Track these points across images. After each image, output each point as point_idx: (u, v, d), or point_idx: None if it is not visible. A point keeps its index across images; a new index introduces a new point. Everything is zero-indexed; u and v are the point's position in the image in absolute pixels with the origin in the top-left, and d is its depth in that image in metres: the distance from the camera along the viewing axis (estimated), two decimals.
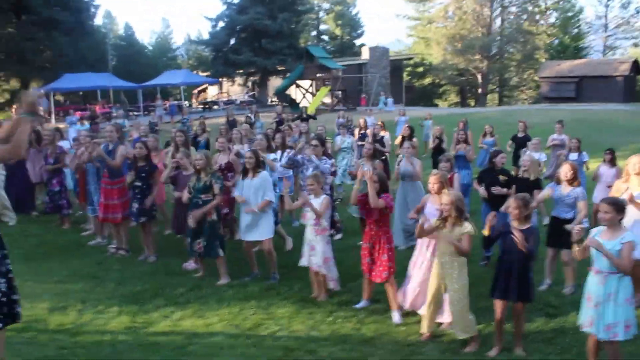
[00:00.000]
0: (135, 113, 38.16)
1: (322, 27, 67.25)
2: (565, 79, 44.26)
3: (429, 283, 6.11)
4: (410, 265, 6.64)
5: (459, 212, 5.65)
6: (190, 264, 8.38)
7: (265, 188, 7.56)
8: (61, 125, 24.60)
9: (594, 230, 5.08)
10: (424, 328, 6.06)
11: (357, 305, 6.84)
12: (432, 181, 6.55)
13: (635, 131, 24.80)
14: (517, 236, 5.37)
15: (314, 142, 8.81)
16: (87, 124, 21.09)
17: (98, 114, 26.51)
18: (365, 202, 6.48)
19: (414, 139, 13.03)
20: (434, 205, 6.48)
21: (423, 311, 6.22)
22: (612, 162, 10.23)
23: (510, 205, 5.60)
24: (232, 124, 16.69)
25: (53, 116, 34.50)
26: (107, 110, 32.16)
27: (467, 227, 5.64)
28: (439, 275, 5.84)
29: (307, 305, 6.90)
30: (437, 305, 5.93)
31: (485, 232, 5.63)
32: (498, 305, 5.68)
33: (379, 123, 15.41)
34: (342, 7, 64.86)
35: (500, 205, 8.15)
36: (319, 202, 6.96)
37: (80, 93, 42.06)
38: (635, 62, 44.60)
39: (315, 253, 6.98)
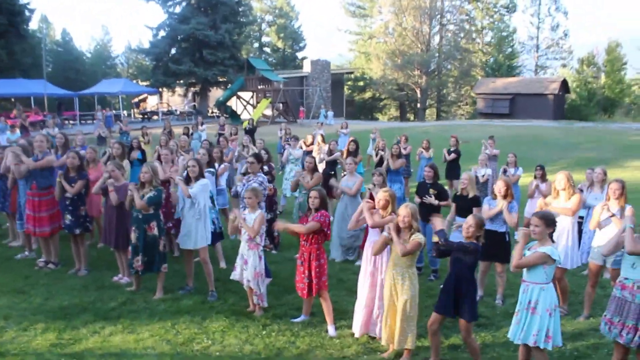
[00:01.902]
0: (72, 122, 37.03)
1: (265, 39, 67.38)
2: (499, 95, 45.89)
3: (382, 296, 6.15)
4: (359, 284, 6.63)
5: (415, 223, 5.76)
6: (123, 278, 8.16)
7: (197, 191, 7.46)
8: None
9: (529, 245, 5.28)
10: (384, 340, 6.04)
11: (295, 320, 6.81)
12: (380, 197, 6.49)
13: (565, 147, 25.90)
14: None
15: (250, 159, 8.74)
16: (17, 132, 20.25)
17: (27, 121, 25.55)
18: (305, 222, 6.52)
19: (359, 156, 13.20)
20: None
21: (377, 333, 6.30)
22: (543, 177, 10.65)
23: (469, 222, 5.66)
24: (169, 135, 16.44)
25: None
26: (40, 118, 31.03)
27: (418, 235, 5.75)
28: (391, 286, 5.89)
29: (241, 319, 6.83)
30: (393, 316, 5.90)
31: (434, 238, 5.75)
32: (433, 316, 5.77)
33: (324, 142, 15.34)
34: (285, 20, 65.18)
35: (427, 219, 8.36)
36: (253, 217, 6.92)
37: (12, 99, 40.45)
38: (564, 81, 46.75)
39: (247, 267, 6.93)
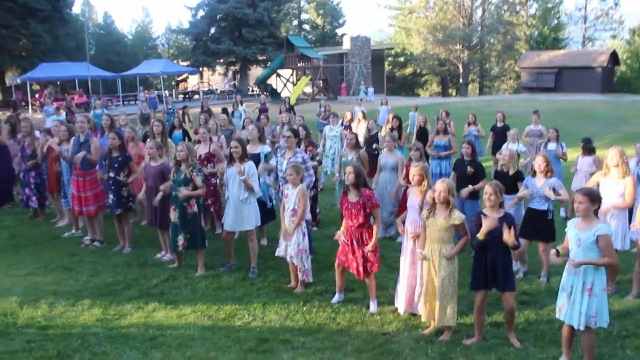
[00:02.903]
0: (115, 103, 37.73)
1: (304, 16, 66.90)
2: (544, 69, 44.53)
3: (419, 274, 6.12)
4: (401, 262, 6.57)
5: (452, 198, 5.66)
6: (165, 255, 8.29)
7: (249, 177, 7.45)
8: (38, 116, 24.27)
9: (570, 223, 5.09)
10: (424, 317, 6.01)
11: (333, 300, 6.75)
12: (413, 173, 6.43)
13: (613, 122, 25.06)
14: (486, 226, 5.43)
15: (287, 133, 8.67)
16: (63, 114, 20.70)
17: (74, 103, 26.07)
18: (346, 203, 6.43)
19: (403, 133, 13.08)
20: (415, 197, 6.43)
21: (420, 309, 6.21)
22: (589, 151, 10.31)
23: (487, 191, 5.58)
24: (207, 114, 16.54)
25: (30, 106, 33.99)
26: (84, 100, 31.69)
27: (458, 216, 5.66)
28: (429, 263, 5.83)
29: (282, 295, 6.87)
30: (433, 292, 5.85)
31: (481, 236, 5.54)
32: (478, 294, 5.68)
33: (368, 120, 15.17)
34: None
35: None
36: (295, 192, 6.91)
37: (58, 82, 41.42)
38: (613, 53, 44.98)
39: (291, 243, 6.95)
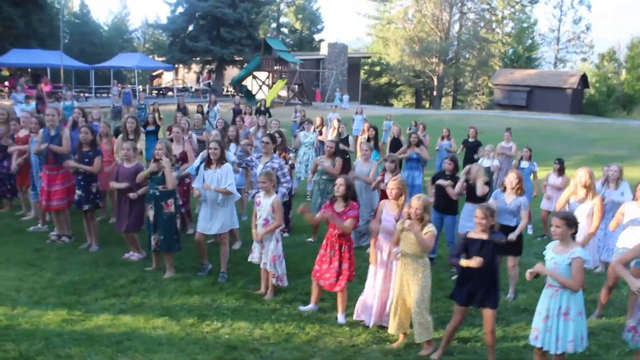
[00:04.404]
0: (87, 95, 37.03)
1: (283, 19, 66.81)
2: (517, 87, 45.38)
3: (392, 286, 6.09)
4: (369, 274, 6.50)
5: (426, 215, 5.67)
6: (133, 255, 8.15)
7: (227, 179, 7.38)
8: (7, 103, 23.67)
9: (549, 245, 5.13)
10: (393, 330, 5.97)
11: (304, 308, 6.71)
12: (391, 187, 6.32)
13: (582, 142, 25.57)
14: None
15: (265, 139, 8.62)
16: (32, 103, 20.16)
17: (44, 93, 25.37)
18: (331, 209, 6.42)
19: (380, 143, 13.17)
20: (390, 212, 6.31)
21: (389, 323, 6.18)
22: (560, 171, 10.52)
23: (477, 215, 5.53)
24: (183, 112, 16.42)
25: None
26: (49, 89, 30.85)
27: (431, 227, 5.68)
28: (402, 276, 5.82)
29: (251, 302, 6.81)
30: (403, 306, 5.85)
31: (463, 264, 5.52)
32: (458, 310, 5.67)
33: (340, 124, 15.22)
34: (304, 1, 64.58)
35: (445, 211, 8.33)
36: (269, 202, 6.86)
37: (29, 70, 40.44)
38: (583, 76, 46.12)
39: (265, 251, 6.90)
